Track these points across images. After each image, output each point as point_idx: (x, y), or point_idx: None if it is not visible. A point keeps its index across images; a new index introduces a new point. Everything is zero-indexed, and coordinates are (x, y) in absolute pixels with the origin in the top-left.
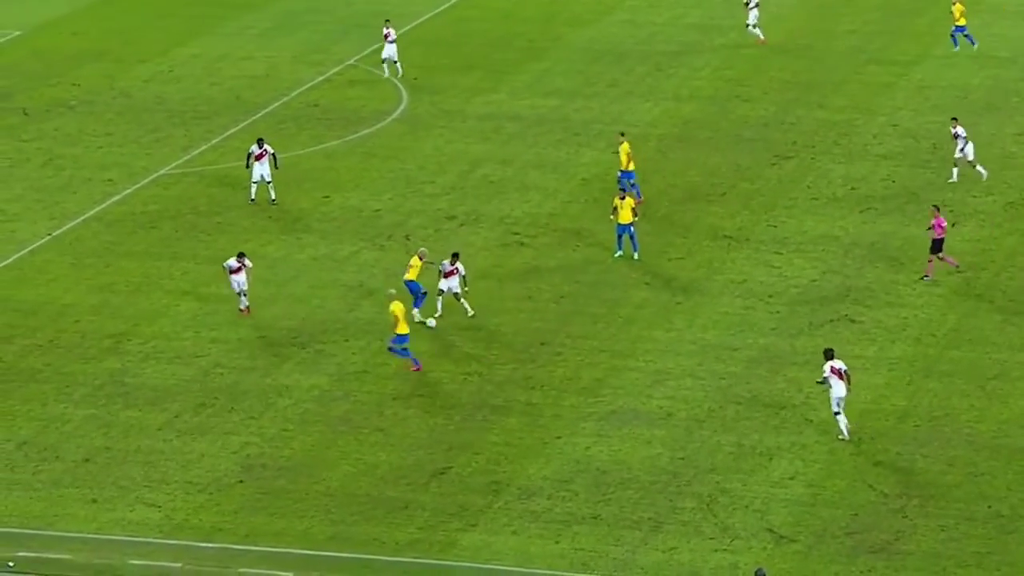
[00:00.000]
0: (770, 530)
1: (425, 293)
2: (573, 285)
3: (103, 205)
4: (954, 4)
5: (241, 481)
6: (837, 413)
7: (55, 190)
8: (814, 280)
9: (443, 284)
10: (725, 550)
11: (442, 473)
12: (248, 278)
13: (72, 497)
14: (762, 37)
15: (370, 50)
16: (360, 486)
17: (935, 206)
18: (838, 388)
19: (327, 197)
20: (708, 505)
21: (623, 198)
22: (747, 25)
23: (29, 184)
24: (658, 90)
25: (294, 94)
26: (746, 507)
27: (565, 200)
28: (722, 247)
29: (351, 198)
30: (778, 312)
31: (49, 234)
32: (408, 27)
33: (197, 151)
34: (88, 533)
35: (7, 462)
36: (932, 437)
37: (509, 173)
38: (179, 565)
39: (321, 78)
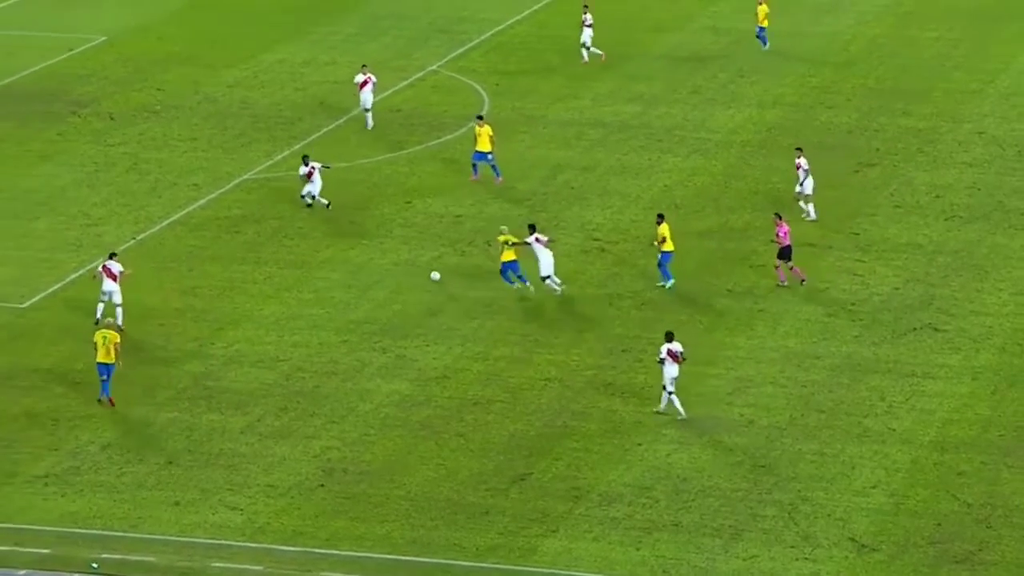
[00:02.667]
0: (852, 539)
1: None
2: (654, 292)
3: (187, 209)
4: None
5: (322, 485)
6: (671, 392)
7: (140, 194)
8: (897, 288)
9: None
10: (806, 559)
11: (523, 479)
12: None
13: (155, 499)
14: (600, 55)
15: (453, 55)
16: (441, 491)
17: (777, 214)
18: (671, 369)
19: (409, 202)
20: (789, 513)
21: (661, 223)
22: (583, 45)
23: (115, 188)
24: (741, 96)
25: (377, 99)
26: (828, 516)
27: (646, 206)
28: (805, 254)
29: (433, 204)
30: (861, 320)
31: (134, 238)
32: (489, 33)
33: (281, 156)
34: (171, 535)
35: (92, 464)
36: (1017, 446)
37: (590, 179)
38: (260, 568)
39: (404, 83)
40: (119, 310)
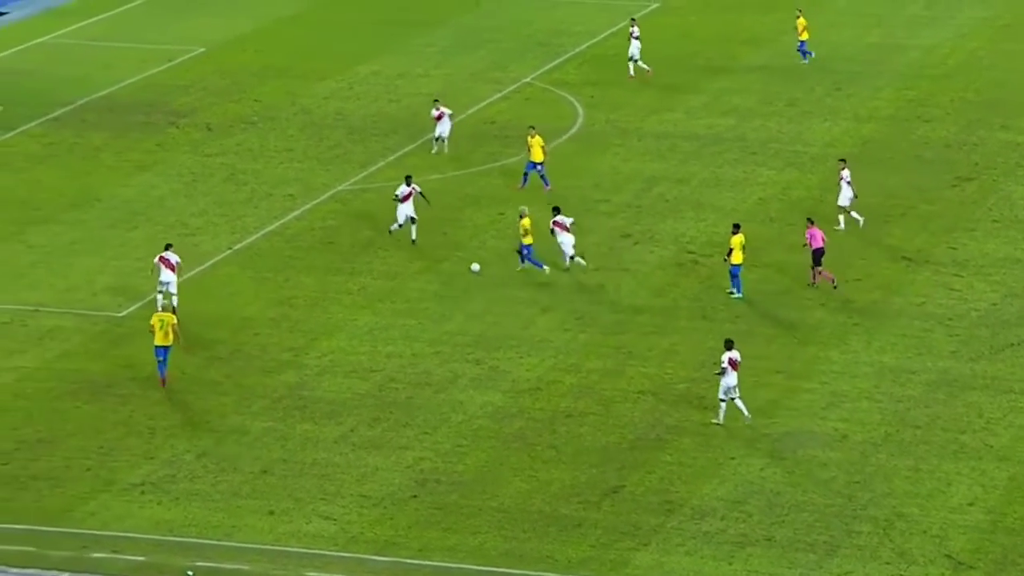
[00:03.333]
0: (948, 556)
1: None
2: (748, 305)
3: (283, 220)
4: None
5: (415, 496)
6: (729, 399)
7: (237, 204)
8: (995, 304)
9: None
10: (902, 575)
11: (615, 491)
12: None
13: (250, 508)
14: (647, 69)
15: (547, 68)
16: (533, 503)
17: (809, 219)
18: (730, 378)
19: (502, 214)
20: (884, 530)
21: (735, 233)
22: (630, 58)
23: (212, 199)
24: (837, 110)
25: (471, 111)
26: (924, 532)
27: (741, 219)
28: (901, 269)
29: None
30: (958, 335)
31: (231, 248)
32: (584, 45)
33: (375, 167)
34: (265, 544)
35: (188, 472)
36: None
37: (685, 192)
38: None
39: (498, 95)
40: (175, 299)
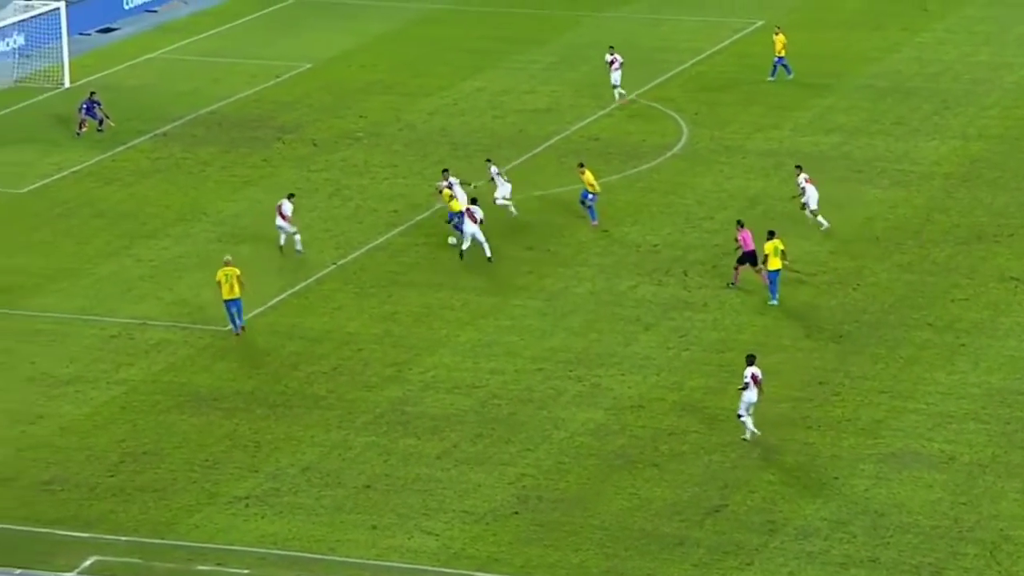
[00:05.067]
0: None
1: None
2: (853, 324)
3: (387, 235)
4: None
5: (517, 512)
6: (741, 415)
7: (341, 220)
8: None
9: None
10: None
11: (718, 510)
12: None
13: (353, 523)
14: (625, 95)
15: (652, 84)
16: (635, 521)
17: (739, 221)
18: (751, 393)
19: (606, 231)
20: (991, 552)
21: (770, 239)
22: (615, 87)
23: (317, 214)
24: (945, 128)
25: (575, 128)
26: None
27: (846, 238)
28: (1009, 289)
29: (630, 232)
30: None
31: (335, 263)
32: (690, 62)
33: (479, 183)
34: (368, 559)
35: (292, 486)
36: None
37: (789, 210)
38: None
39: (602, 112)
40: (297, 237)
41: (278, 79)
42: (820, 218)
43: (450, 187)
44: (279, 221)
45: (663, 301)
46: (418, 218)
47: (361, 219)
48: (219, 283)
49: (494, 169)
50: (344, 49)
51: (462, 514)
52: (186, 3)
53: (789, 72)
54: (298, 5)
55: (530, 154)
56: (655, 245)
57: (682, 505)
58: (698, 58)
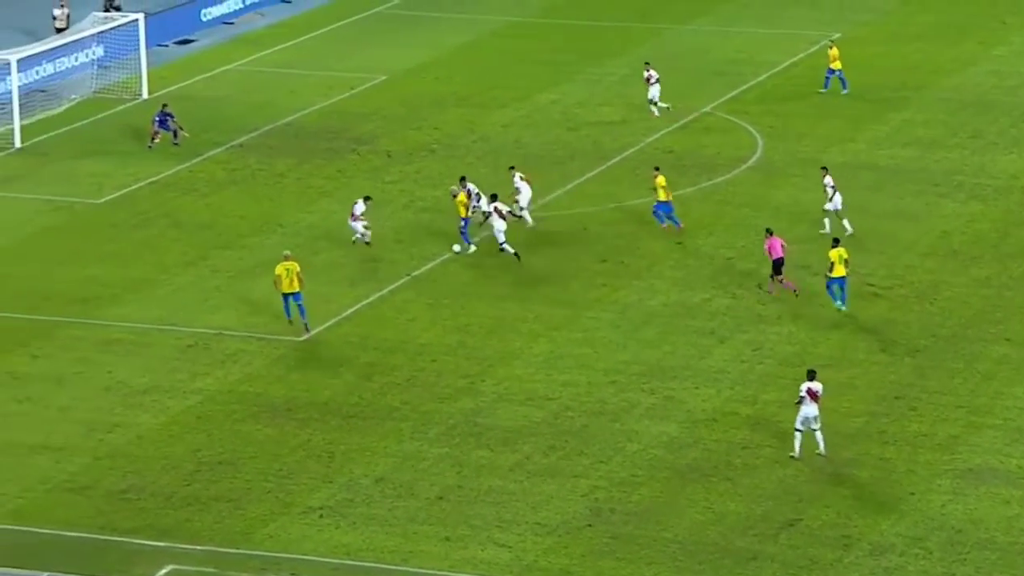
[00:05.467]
0: None
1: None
2: (929, 339)
3: (460, 246)
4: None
5: (590, 525)
6: (799, 431)
7: (415, 231)
8: None
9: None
10: None
11: (791, 525)
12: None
13: (426, 534)
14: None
15: (727, 97)
16: (708, 535)
17: (768, 230)
18: (809, 408)
19: (680, 243)
20: None
21: (835, 247)
22: (653, 103)
23: (391, 224)
24: (1022, 141)
25: (649, 140)
26: None
27: (923, 252)
28: None
29: (704, 245)
30: None
31: (409, 274)
32: (765, 75)
33: (552, 196)
34: (441, 570)
35: (365, 497)
36: None
37: (865, 223)
38: None
39: (676, 124)
40: (367, 233)
41: (353, 91)
42: (846, 222)
43: (468, 195)
44: (350, 221)
45: (737, 314)
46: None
47: (435, 230)
48: (279, 277)
49: (518, 176)
50: (419, 61)
51: (535, 526)
52: (263, 15)
53: (845, 86)
54: (374, 18)
55: (604, 166)
56: (729, 258)
57: (756, 519)
58: (774, 71)
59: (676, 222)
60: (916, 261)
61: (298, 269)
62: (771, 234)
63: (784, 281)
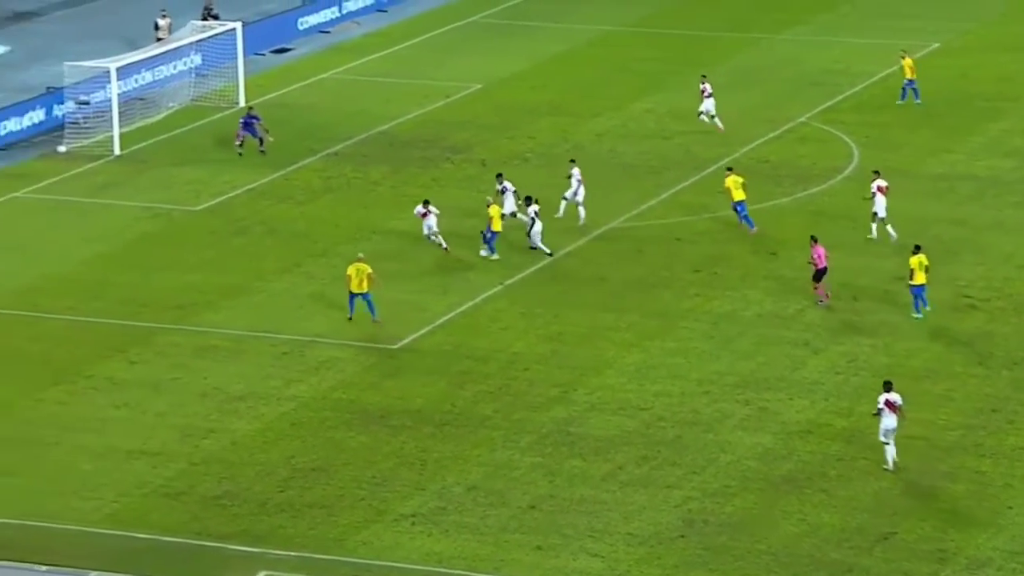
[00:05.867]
0: None
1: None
2: None
3: (554, 256)
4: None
5: (682, 536)
6: (886, 443)
7: (508, 240)
8: None
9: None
10: None
11: (887, 538)
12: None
13: (518, 543)
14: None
15: (823, 107)
16: (803, 547)
17: (812, 237)
18: (888, 420)
19: (774, 254)
20: None
21: (916, 253)
22: (706, 114)
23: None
24: None
25: (744, 150)
26: None
27: (1020, 264)
28: None
29: (798, 256)
30: None
31: (502, 283)
32: (861, 85)
33: (646, 205)
34: None
35: (457, 505)
36: None
37: (962, 234)
38: None
39: (772, 134)
40: (439, 237)
41: (448, 100)
42: (889, 228)
43: (503, 192)
44: (425, 222)
45: (832, 325)
46: (586, 239)
47: (526, 239)
48: (349, 276)
49: (576, 171)
50: (515, 70)
51: (627, 536)
52: (359, 24)
53: (917, 97)
54: (470, 27)
55: (698, 176)
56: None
57: (851, 532)
58: (870, 81)
59: (749, 224)
60: (1014, 273)
61: (369, 271)
62: (816, 242)
63: (819, 289)
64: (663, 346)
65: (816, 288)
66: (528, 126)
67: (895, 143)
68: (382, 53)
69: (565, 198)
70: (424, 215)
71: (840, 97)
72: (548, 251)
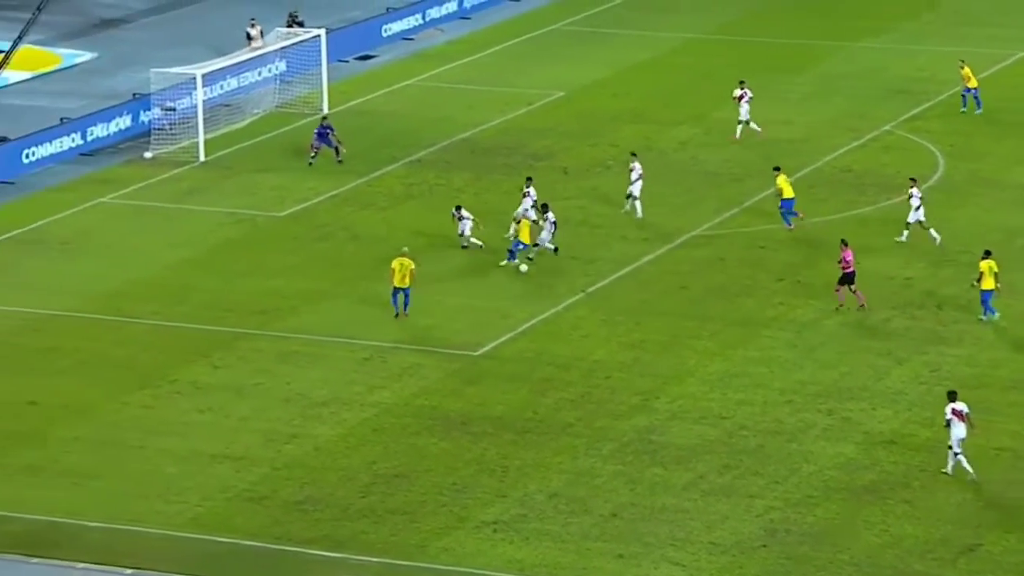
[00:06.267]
0: None
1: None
2: None
3: (636, 264)
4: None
5: (764, 545)
6: (957, 453)
7: (590, 247)
8: None
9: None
10: None
11: (971, 550)
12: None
13: (599, 551)
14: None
15: (908, 115)
16: (885, 558)
17: (843, 240)
18: (958, 429)
19: (857, 263)
20: None
21: (985, 258)
22: (740, 122)
23: (567, 241)
24: None
25: (827, 159)
26: None
27: None
28: None
29: (882, 265)
30: None
31: (583, 291)
32: (947, 93)
33: (729, 213)
34: None
35: (539, 512)
36: None
37: None
38: None
39: (856, 143)
40: (475, 239)
41: (530, 107)
42: (932, 231)
43: (527, 196)
44: (460, 224)
45: (916, 335)
46: (668, 247)
47: (610, 247)
48: (393, 270)
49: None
50: (597, 78)
51: (709, 545)
52: (442, 31)
53: (979, 105)
54: (552, 34)
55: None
56: (908, 278)
57: (934, 543)
58: (956, 89)
59: (787, 221)
60: None
61: (412, 267)
62: (846, 245)
63: (839, 291)
64: (745, 355)
65: (837, 290)
66: (610, 133)
67: (980, 152)
68: (465, 60)
69: (631, 195)
70: (460, 219)
71: (925, 105)
72: (553, 247)
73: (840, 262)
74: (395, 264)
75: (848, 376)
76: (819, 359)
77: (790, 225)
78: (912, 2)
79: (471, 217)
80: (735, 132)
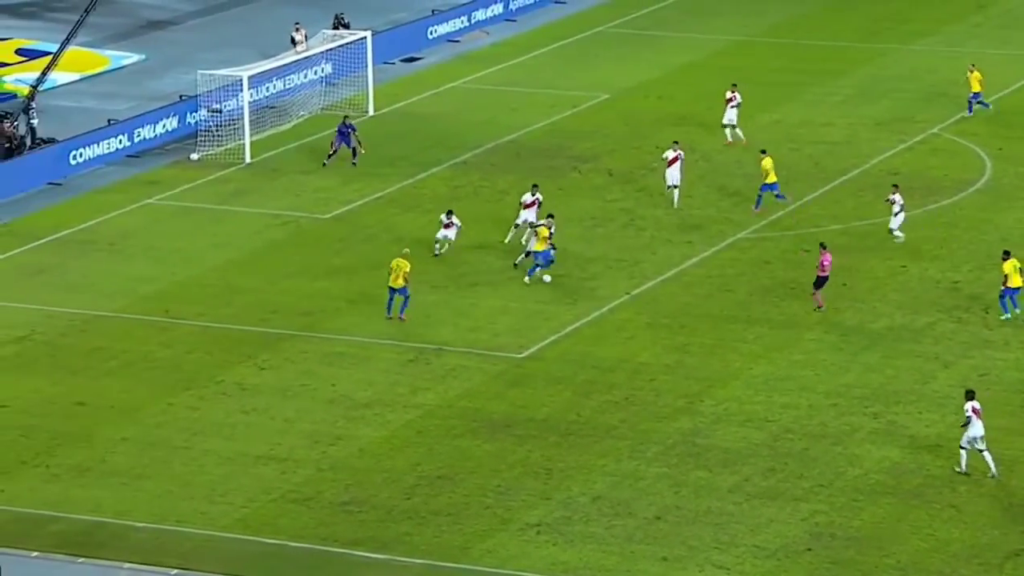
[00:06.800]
0: None
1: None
2: None
3: (681, 267)
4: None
5: (809, 549)
6: (982, 451)
7: (635, 250)
8: None
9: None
10: None
11: (1018, 555)
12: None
13: (643, 554)
14: (743, 139)
15: (954, 118)
16: (931, 562)
17: (822, 244)
18: (976, 427)
19: (904, 266)
20: None
21: (1007, 259)
22: (725, 126)
23: (612, 243)
24: None
25: (874, 161)
26: None
27: None
28: None
29: (929, 268)
30: None
31: (628, 293)
32: (997, 96)
33: (774, 216)
34: None
35: (582, 515)
36: None
37: None
38: None
39: (902, 146)
40: (447, 246)
41: (575, 109)
42: (899, 232)
43: (536, 204)
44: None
45: (963, 339)
46: (713, 249)
47: (655, 250)
48: (391, 270)
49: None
50: (642, 80)
51: (754, 548)
52: (488, 33)
53: (972, 109)
54: (597, 36)
55: (827, 188)
56: (955, 282)
57: (981, 548)
58: (1004, 92)
59: (758, 204)
60: None
61: (407, 268)
62: (825, 249)
63: (816, 295)
64: (791, 358)
65: (814, 294)
66: (655, 136)
67: None
68: (510, 62)
69: (671, 186)
70: (447, 226)
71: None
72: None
73: (818, 266)
74: (393, 264)
75: (894, 380)
76: (865, 362)
77: (757, 208)
78: (960, 5)
79: (459, 224)
80: (726, 137)
